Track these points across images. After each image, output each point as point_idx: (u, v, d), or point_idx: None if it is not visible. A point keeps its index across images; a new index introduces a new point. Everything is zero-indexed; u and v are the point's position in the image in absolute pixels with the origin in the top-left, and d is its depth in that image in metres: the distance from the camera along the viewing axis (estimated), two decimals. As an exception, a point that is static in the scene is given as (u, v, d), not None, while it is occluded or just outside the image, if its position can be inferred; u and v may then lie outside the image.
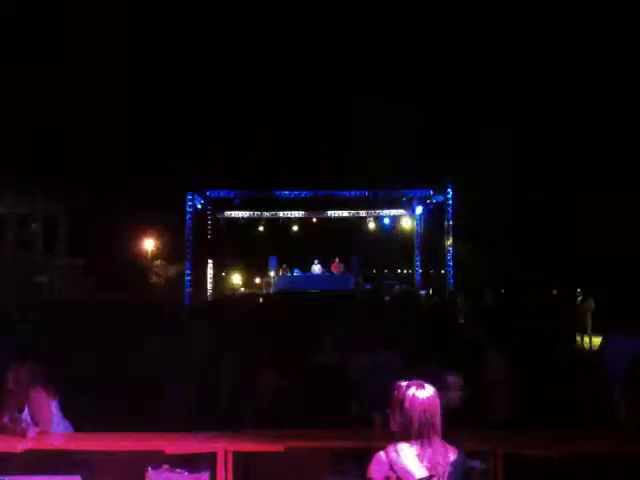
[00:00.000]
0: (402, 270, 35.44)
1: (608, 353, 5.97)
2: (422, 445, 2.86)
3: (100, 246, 28.04)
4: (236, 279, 40.69)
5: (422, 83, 27.39)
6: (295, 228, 22.96)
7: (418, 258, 23.58)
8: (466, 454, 3.07)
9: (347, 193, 20.28)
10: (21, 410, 4.52)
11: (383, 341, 5.80)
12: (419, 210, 22.35)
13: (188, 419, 4.82)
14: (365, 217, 22.45)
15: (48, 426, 4.48)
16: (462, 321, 11.56)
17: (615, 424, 4.62)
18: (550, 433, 4.35)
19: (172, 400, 5.97)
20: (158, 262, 36.48)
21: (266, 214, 22.27)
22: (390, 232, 24.28)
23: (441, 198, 19.80)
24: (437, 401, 2.95)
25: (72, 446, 4.25)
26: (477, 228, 22.32)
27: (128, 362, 6.55)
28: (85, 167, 26.92)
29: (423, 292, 22.42)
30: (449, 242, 19.34)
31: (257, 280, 35.25)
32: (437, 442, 2.90)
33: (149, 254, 36.48)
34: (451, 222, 19.30)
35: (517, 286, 18.56)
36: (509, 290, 18.75)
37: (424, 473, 2.82)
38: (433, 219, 21.49)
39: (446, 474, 2.86)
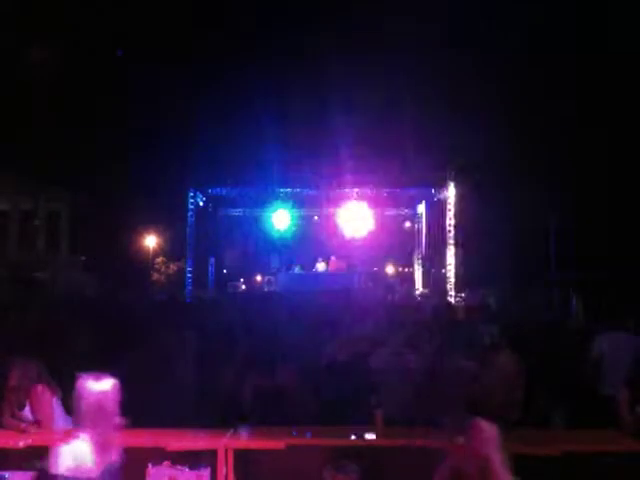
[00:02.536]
0: (403, 269, 35.34)
1: (605, 349, 5.98)
2: (92, 438, 2.81)
3: (102, 243, 28.09)
4: (237, 277, 40.61)
5: (422, 79, 27.21)
6: (298, 226, 22.88)
7: (419, 256, 23.54)
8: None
9: (349, 190, 20.25)
10: (23, 406, 4.52)
11: (402, 341, 5.75)
12: (421, 208, 22.32)
13: (189, 416, 4.80)
14: (367, 215, 22.32)
15: (49, 422, 4.48)
16: (467, 319, 11.47)
17: (618, 423, 4.61)
18: (551, 432, 4.35)
19: (173, 397, 5.96)
20: (159, 259, 36.50)
21: (268, 211, 22.19)
22: (391, 230, 24.21)
23: (443, 196, 19.76)
24: (112, 396, 2.86)
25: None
26: (480, 226, 22.23)
27: (129, 359, 6.54)
28: (88, 164, 26.95)
29: (424, 291, 22.37)
30: (451, 241, 19.29)
31: (258, 278, 35.17)
32: (107, 437, 2.84)
33: (150, 251, 36.50)
34: (453, 220, 19.25)
35: (522, 284, 18.48)
36: (513, 288, 18.69)
37: (89, 466, 2.79)
38: (435, 217, 21.42)
39: (103, 473, 2.83)
